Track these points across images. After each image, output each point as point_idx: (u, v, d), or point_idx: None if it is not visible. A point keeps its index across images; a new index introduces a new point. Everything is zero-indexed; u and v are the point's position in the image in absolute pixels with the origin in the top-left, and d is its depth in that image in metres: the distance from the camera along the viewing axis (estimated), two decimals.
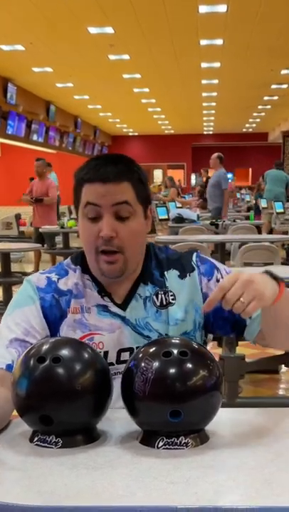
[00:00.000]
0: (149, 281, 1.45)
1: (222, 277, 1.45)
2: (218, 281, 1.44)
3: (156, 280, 1.45)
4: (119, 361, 1.39)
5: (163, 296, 1.43)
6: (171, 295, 1.44)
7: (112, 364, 1.38)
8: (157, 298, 1.43)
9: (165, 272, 1.46)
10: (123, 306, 1.42)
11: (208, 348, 1.37)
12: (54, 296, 1.42)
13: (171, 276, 1.45)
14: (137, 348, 1.37)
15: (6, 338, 1.37)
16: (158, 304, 1.43)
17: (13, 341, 1.36)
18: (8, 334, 1.38)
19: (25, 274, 7.43)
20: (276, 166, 12.14)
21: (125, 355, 1.40)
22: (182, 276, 1.45)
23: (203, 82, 16.49)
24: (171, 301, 1.43)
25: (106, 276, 1.40)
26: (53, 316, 1.41)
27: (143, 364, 1.11)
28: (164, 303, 1.43)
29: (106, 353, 1.39)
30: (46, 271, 1.49)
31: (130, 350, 1.40)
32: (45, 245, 8.99)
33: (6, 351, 1.34)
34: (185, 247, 5.13)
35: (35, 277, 1.46)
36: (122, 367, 1.25)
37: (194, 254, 1.49)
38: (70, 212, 13.65)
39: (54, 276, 1.45)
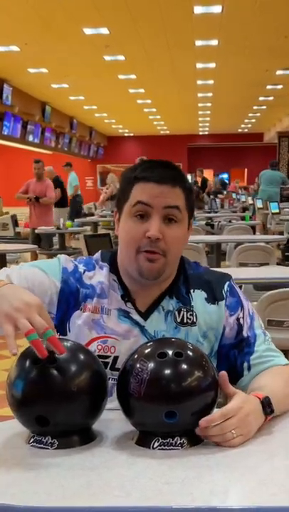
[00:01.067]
0: (175, 296, 1.42)
1: (243, 317, 1.42)
2: (238, 319, 1.42)
3: (181, 296, 1.42)
4: None
5: (185, 313, 1.41)
6: (195, 315, 1.41)
7: (118, 370, 1.36)
8: (179, 314, 1.41)
9: (191, 290, 1.43)
10: (145, 315, 1.40)
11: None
12: (76, 284, 1.41)
13: (197, 296, 1.43)
14: None
15: (10, 277, 1.36)
16: (178, 320, 1.40)
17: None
18: (14, 276, 1.37)
19: None
20: (271, 166, 12.12)
21: None
22: (209, 300, 1.42)
23: (199, 82, 16.49)
24: (194, 321, 1.41)
25: (143, 276, 1.37)
26: (68, 302, 1.40)
27: (138, 365, 1.12)
28: (185, 321, 1.41)
29: (116, 358, 1.38)
30: (76, 260, 1.48)
31: None
32: (42, 246, 8.99)
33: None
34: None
35: (65, 258, 1.45)
36: None
37: (227, 284, 1.45)
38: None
39: (81, 268, 1.44)
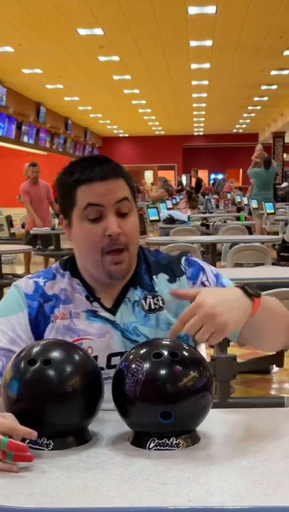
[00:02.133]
0: (139, 285, 1.43)
1: (207, 280, 1.44)
2: (202, 283, 1.43)
3: (145, 284, 1.43)
4: (109, 366, 1.37)
5: (151, 300, 1.42)
6: (161, 299, 1.42)
7: (102, 369, 1.35)
8: (146, 302, 1.42)
9: (154, 276, 1.44)
10: (113, 310, 1.41)
11: (200, 348, 1.37)
12: (40, 301, 1.41)
13: (161, 280, 1.44)
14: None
15: None
16: (146, 308, 1.41)
17: None
18: None
19: (16, 275, 7.42)
20: (265, 164, 11.37)
21: (116, 360, 1.37)
22: (172, 280, 1.44)
23: (193, 83, 16.53)
24: (161, 305, 1.42)
25: (113, 278, 1.38)
26: (39, 323, 1.40)
27: (134, 365, 1.12)
28: (153, 307, 1.41)
29: (95, 358, 1.37)
30: (34, 275, 1.48)
31: (120, 354, 1.38)
32: (39, 247, 8.97)
33: None
34: (176, 248, 5.14)
35: (24, 283, 1.44)
36: (112, 372, 1.24)
37: (183, 258, 1.47)
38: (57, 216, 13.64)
39: (41, 281, 1.44)
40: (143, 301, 1.42)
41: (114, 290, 1.42)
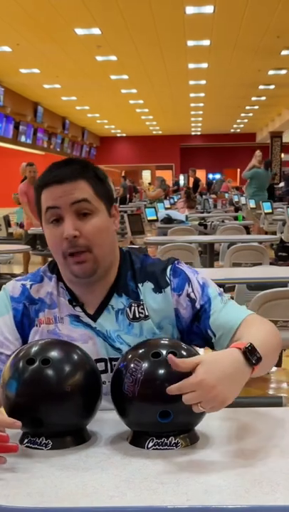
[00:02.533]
0: (124, 293, 1.41)
1: (193, 291, 1.40)
2: (188, 295, 1.39)
3: (130, 292, 1.41)
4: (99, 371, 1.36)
5: (136, 308, 1.40)
6: (146, 308, 1.40)
7: None
8: (130, 310, 1.40)
9: (139, 284, 1.42)
10: (94, 316, 1.40)
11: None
12: (25, 304, 1.41)
13: (146, 289, 1.41)
14: (110, 359, 1.37)
15: None
16: (131, 316, 1.40)
17: None
18: None
19: (14, 275, 7.41)
20: (266, 166, 11.43)
21: (101, 366, 1.36)
22: (156, 290, 1.41)
23: (191, 82, 16.52)
24: (146, 314, 1.40)
25: (79, 277, 1.37)
26: (24, 326, 1.41)
27: (132, 365, 1.12)
28: (137, 316, 1.40)
29: None
30: (23, 278, 1.48)
31: (104, 360, 1.37)
32: (38, 247, 8.96)
33: None
34: (174, 247, 5.14)
35: (11, 285, 1.45)
36: None
37: (169, 268, 1.43)
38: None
39: (28, 283, 1.44)
40: (128, 310, 1.40)
41: (97, 296, 1.41)
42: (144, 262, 1.46)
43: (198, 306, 1.38)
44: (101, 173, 1.42)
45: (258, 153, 10.91)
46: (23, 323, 1.41)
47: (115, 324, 1.39)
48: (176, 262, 1.45)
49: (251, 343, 1.14)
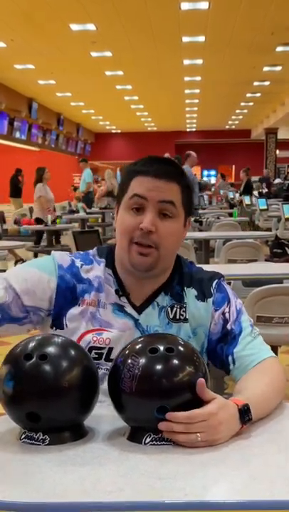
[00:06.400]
0: (170, 293, 1.44)
1: (229, 312, 1.43)
2: (223, 314, 1.43)
3: (175, 294, 1.44)
4: None
5: (178, 310, 1.43)
6: (186, 312, 1.43)
7: (112, 360, 1.37)
8: (172, 311, 1.43)
9: (185, 288, 1.45)
10: (139, 309, 1.42)
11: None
12: (73, 279, 1.42)
13: (190, 294, 1.45)
14: None
15: (8, 280, 1.39)
16: (171, 316, 1.43)
17: (9, 289, 1.38)
18: (12, 279, 1.40)
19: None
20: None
21: None
22: (200, 298, 1.45)
23: (186, 79, 16.51)
24: (186, 317, 1.43)
25: (136, 268, 1.38)
26: (65, 297, 1.41)
27: (130, 361, 1.12)
28: (177, 317, 1.43)
29: (110, 350, 1.39)
30: (73, 254, 1.49)
31: None
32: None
33: (0, 289, 1.38)
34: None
35: (60, 255, 1.46)
36: None
37: (215, 281, 1.47)
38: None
39: (78, 262, 1.45)
40: (169, 309, 1.43)
41: (145, 290, 1.43)
42: (191, 268, 1.50)
43: (229, 327, 1.42)
44: (190, 184, 1.46)
45: None
46: (66, 295, 1.41)
47: (157, 320, 1.42)
48: (222, 278, 1.50)
49: (247, 405, 1.17)
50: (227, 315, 1.43)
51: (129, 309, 1.42)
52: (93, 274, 1.44)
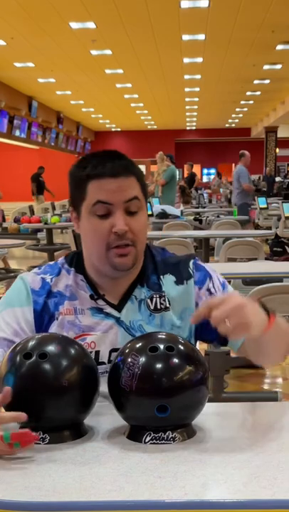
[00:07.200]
0: (146, 284, 1.43)
1: (213, 287, 1.43)
2: (208, 290, 1.43)
3: (152, 283, 1.43)
4: (110, 361, 1.37)
5: (158, 300, 1.42)
6: (167, 300, 1.42)
7: (103, 363, 1.37)
8: (151, 301, 1.42)
9: (161, 276, 1.44)
10: (118, 307, 1.41)
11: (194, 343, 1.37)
12: (45, 299, 1.41)
13: (168, 281, 1.44)
14: None
15: None
16: (152, 307, 1.41)
17: (2, 341, 1.36)
18: None
19: (9, 270, 7.40)
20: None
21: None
22: (178, 282, 1.44)
23: (186, 77, 16.49)
24: (167, 305, 1.42)
25: (118, 270, 1.37)
26: (43, 320, 1.40)
27: (129, 359, 1.12)
28: (158, 307, 1.42)
29: (97, 353, 1.38)
30: (41, 271, 1.46)
31: None
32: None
33: None
34: (169, 242, 5.14)
35: (31, 278, 1.44)
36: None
37: (191, 261, 1.46)
38: (54, 208, 13.61)
39: (48, 277, 1.44)
40: (148, 301, 1.42)
41: (121, 287, 1.42)
42: (164, 255, 1.49)
43: None
44: (141, 170, 1.43)
45: None
46: (43, 318, 1.40)
47: (138, 314, 1.41)
48: (196, 257, 1.50)
49: (264, 304, 1.22)
50: (212, 289, 1.43)
51: (108, 310, 1.40)
52: (63, 284, 1.42)
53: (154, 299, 1.42)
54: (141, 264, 1.44)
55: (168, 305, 1.42)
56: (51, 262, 1.49)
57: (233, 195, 11.15)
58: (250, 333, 1.16)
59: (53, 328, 1.39)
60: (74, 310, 1.40)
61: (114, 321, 1.40)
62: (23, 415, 1.07)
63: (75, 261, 1.45)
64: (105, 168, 1.35)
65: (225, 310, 1.12)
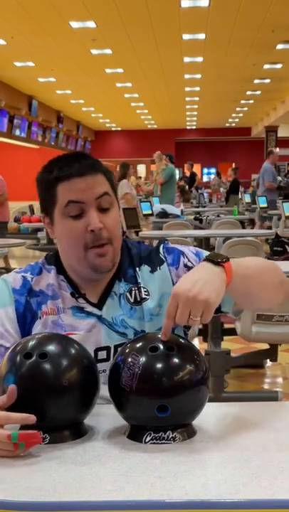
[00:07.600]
0: (123, 278, 1.44)
1: (189, 261, 1.44)
2: (185, 266, 1.43)
3: (129, 277, 1.44)
4: (96, 360, 1.36)
5: (137, 292, 1.42)
6: (145, 291, 1.42)
7: None
8: (131, 295, 1.42)
9: (137, 268, 1.45)
10: (99, 305, 1.41)
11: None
12: (27, 297, 1.41)
13: (143, 272, 1.44)
14: (114, 346, 1.38)
15: None
16: (132, 300, 1.42)
17: None
18: None
19: (9, 270, 7.40)
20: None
21: (102, 354, 1.38)
22: (153, 270, 1.44)
23: (186, 76, 16.50)
24: (144, 296, 1.42)
25: (98, 271, 1.38)
26: (26, 319, 1.40)
27: (130, 359, 1.12)
28: (138, 299, 1.42)
29: None
30: (22, 269, 1.47)
31: (107, 348, 1.39)
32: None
33: None
34: (170, 242, 5.13)
35: (12, 277, 1.44)
36: (99, 366, 1.27)
37: (161, 246, 1.48)
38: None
39: (29, 276, 1.44)
40: (128, 294, 1.42)
41: (100, 285, 1.43)
42: (139, 247, 1.50)
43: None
44: (106, 167, 1.44)
45: None
46: (26, 317, 1.40)
47: (119, 309, 1.41)
48: (165, 241, 1.50)
49: (211, 253, 1.23)
50: (189, 264, 1.43)
51: (90, 308, 1.41)
52: (45, 283, 1.43)
53: (133, 292, 1.43)
54: (118, 260, 1.45)
55: (146, 295, 1.42)
56: (32, 262, 1.50)
57: (259, 191, 11.58)
58: (217, 303, 1.14)
59: (37, 328, 1.40)
60: (57, 309, 1.41)
61: (96, 320, 1.40)
62: (32, 417, 1.06)
63: (55, 261, 1.46)
64: (72, 169, 1.36)
65: (183, 312, 1.12)
